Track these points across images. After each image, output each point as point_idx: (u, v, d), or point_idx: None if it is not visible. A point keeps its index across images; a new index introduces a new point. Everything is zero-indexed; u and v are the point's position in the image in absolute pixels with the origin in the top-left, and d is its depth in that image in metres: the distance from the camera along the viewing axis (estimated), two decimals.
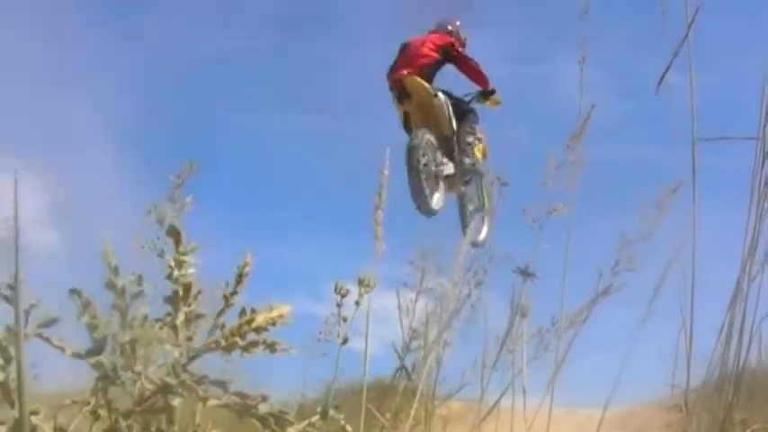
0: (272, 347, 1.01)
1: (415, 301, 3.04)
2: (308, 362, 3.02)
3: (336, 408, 2.49)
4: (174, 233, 0.98)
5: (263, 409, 1.02)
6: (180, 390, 1.02)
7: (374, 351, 2.82)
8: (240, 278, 1.03)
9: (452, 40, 6.92)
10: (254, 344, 1.02)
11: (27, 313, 1.41)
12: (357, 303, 2.53)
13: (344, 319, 2.53)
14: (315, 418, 2.39)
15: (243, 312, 1.02)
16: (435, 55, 6.74)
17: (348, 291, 2.52)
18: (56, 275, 1.33)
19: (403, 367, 2.98)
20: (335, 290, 2.52)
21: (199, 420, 2.35)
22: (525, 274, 2.84)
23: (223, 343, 1.02)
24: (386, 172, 2.78)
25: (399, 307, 3.03)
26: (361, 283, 2.55)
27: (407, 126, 6.68)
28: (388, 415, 2.81)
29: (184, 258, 0.99)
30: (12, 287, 1.43)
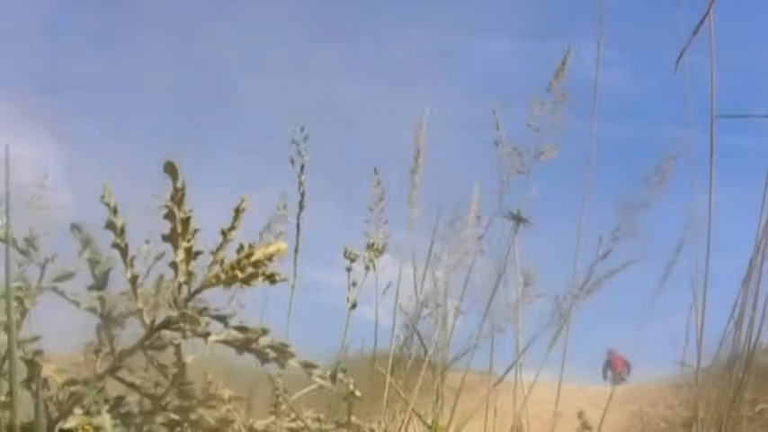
0: (270, 278, 1.03)
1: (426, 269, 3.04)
2: (322, 329, 3.05)
3: (345, 371, 2.51)
4: (171, 169, 0.99)
5: (263, 342, 1.04)
6: (182, 323, 1.04)
7: (388, 321, 2.84)
8: (237, 214, 1.04)
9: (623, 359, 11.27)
10: (254, 275, 1.03)
11: (43, 267, 1.42)
12: (367, 268, 2.55)
13: (354, 284, 2.54)
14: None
15: (241, 248, 1.04)
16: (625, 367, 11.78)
17: (357, 255, 2.54)
18: (69, 238, 1.35)
19: (415, 334, 2.98)
20: (345, 255, 2.54)
21: (211, 378, 2.37)
22: (518, 219, 2.80)
23: (223, 277, 1.03)
24: (422, 137, 2.83)
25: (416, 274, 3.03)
26: (369, 247, 2.57)
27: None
28: (400, 382, 2.82)
29: (182, 193, 0.99)
30: (29, 241, 1.45)
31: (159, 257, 1.41)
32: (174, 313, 1.03)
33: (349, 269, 2.55)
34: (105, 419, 1.05)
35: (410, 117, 2.94)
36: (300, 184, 2.52)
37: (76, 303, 1.26)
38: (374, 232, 2.64)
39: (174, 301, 1.03)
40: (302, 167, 2.52)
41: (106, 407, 1.07)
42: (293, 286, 2.47)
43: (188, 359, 1.28)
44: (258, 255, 1.03)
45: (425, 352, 2.91)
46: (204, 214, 1.20)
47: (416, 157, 2.80)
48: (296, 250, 2.51)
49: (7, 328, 1.19)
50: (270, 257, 1.03)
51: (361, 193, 2.70)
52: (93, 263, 1.12)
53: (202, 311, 1.04)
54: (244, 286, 1.05)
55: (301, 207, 2.52)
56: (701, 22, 2.58)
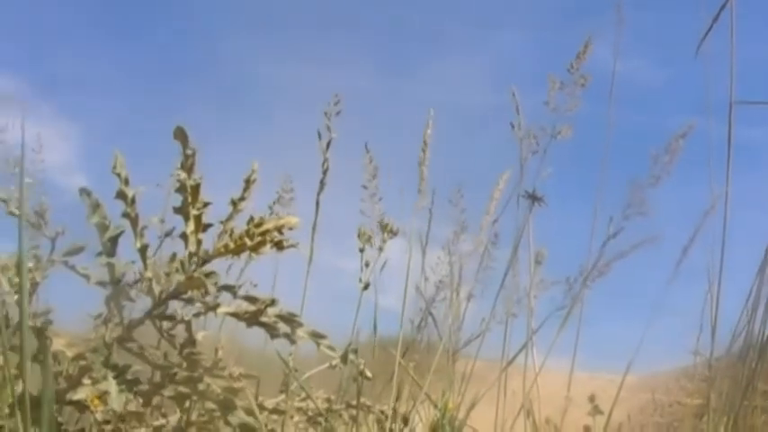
0: (279, 245, 1.02)
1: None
2: (335, 313, 3.05)
3: (355, 352, 2.50)
4: (181, 135, 0.97)
5: (271, 312, 1.04)
6: (189, 288, 1.03)
7: (399, 307, 2.83)
8: (247, 185, 1.04)
9: None
10: (262, 243, 1.02)
11: (53, 241, 1.42)
12: (380, 249, 2.53)
13: (367, 264, 2.53)
14: (335, 362, 2.40)
15: (251, 219, 1.03)
16: None
17: (371, 236, 2.52)
18: (82, 219, 1.34)
19: (429, 315, 2.98)
20: (359, 235, 2.53)
21: (221, 355, 2.37)
22: (533, 198, 2.78)
23: (232, 246, 1.02)
24: (429, 131, 2.79)
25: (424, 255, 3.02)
26: (384, 228, 2.55)
27: None
28: (412, 364, 2.81)
29: (192, 159, 0.99)
30: (39, 214, 1.44)
31: (169, 233, 1.41)
32: (181, 278, 1.02)
33: (362, 250, 2.53)
34: (111, 385, 1.05)
35: (426, 106, 2.92)
36: (325, 160, 2.45)
37: (87, 277, 1.25)
38: (369, 210, 2.60)
39: (182, 266, 1.03)
40: (329, 144, 2.45)
41: (113, 374, 1.07)
42: (309, 263, 2.41)
43: (198, 336, 1.28)
44: (268, 225, 1.02)
45: (440, 335, 2.90)
46: (216, 202, 1.19)
47: (423, 149, 2.76)
48: (313, 228, 2.46)
49: (19, 301, 1.19)
50: (280, 229, 1.03)
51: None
52: (102, 228, 1.12)
53: (209, 275, 1.03)
54: (252, 255, 1.04)
55: (322, 185, 2.46)
56: (722, 8, 2.56)
